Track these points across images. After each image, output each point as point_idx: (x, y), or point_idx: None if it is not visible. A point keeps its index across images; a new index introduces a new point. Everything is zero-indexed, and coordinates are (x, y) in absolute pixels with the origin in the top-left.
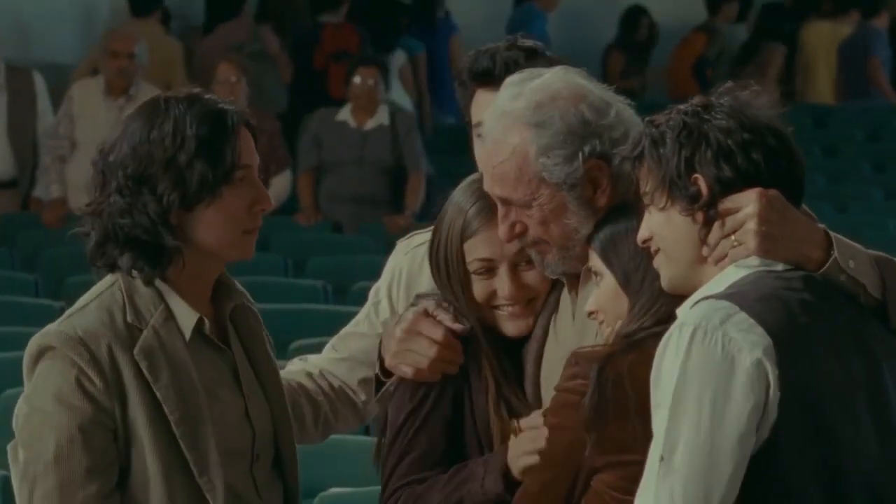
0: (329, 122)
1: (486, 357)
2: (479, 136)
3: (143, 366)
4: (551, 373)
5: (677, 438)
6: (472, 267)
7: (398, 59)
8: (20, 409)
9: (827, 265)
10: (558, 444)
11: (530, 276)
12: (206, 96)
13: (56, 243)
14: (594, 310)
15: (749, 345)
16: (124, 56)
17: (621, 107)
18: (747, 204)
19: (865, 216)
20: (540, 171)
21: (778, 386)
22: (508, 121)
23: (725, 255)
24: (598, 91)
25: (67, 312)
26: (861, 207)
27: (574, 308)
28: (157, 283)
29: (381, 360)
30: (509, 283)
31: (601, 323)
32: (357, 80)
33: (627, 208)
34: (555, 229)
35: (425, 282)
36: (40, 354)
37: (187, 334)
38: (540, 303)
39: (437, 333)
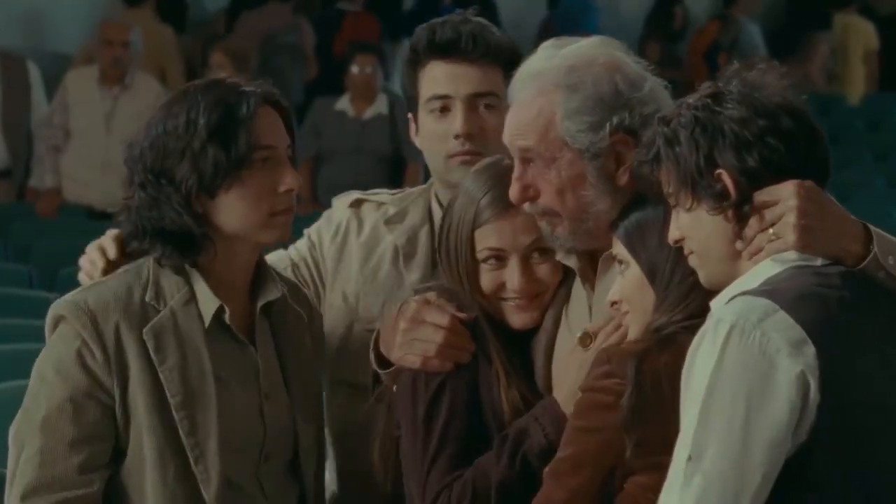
0: (327, 111)
1: (494, 348)
2: (435, 110)
3: (150, 345)
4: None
5: (707, 439)
6: (481, 256)
7: (402, 49)
8: (41, 355)
9: (866, 261)
10: (589, 448)
11: (542, 270)
12: (229, 80)
13: (50, 234)
14: (618, 300)
15: (788, 346)
16: (119, 45)
17: (656, 84)
18: (786, 196)
19: (867, 205)
20: (563, 134)
21: (818, 388)
22: (539, 82)
23: (761, 249)
24: (634, 65)
25: (93, 282)
26: (863, 196)
27: (590, 300)
28: (187, 267)
29: (376, 354)
30: (519, 276)
31: (625, 314)
32: (355, 68)
33: (658, 197)
34: (570, 199)
35: (354, 252)
36: (55, 324)
37: (207, 320)
38: (548, 297)
39: (443, 319)
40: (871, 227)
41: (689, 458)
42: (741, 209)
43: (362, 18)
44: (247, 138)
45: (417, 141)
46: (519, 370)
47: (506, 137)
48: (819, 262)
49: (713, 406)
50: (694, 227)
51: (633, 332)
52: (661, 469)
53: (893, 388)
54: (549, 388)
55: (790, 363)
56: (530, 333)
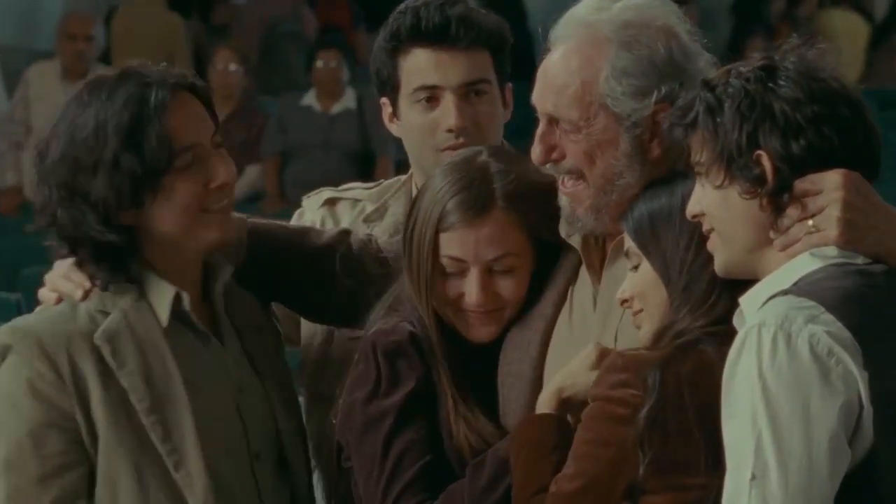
0: (293, 106)
1: (442, 368)
2: (422, 100)
3: (104, 351)
4: (559, 363)
5: (769, 454)
6: (443, 262)
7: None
8: None
9: None
10: (599, 465)
11: (504, 286)
12: (135, 71)
13: (11, 233)
14: (629, 297)
15: (839, 346)
16: (82, 39)
17: (709, 60)
18: (831, 186)
19: None
20: (605, 94)
21: (869, 399)
22: (588, 31)
23: (797, 242)
24: (689, 35)
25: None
26: None
27: (595, 289)
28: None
29: None
30: (478, 290)
31: (637, 313)
32: (319, 63)
33: (671, 180)
34: (599, 164)
35: None
36: (2, 354)
37: (164, 315)
38: (511, 312)
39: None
40: None
41: (753, 478)
42: (779, 197)
43: (335, 4)
44: (161, 142)
45: (393, 128)
46: (468, 394)
47: (534, 95)
48: (860, 260)
49: (770, 420)
50: (721, 206)
51: (646, 332)
52: (677, 490)
53: None
54: (541, 378)
55: (843, 364)
56: (492, 347)
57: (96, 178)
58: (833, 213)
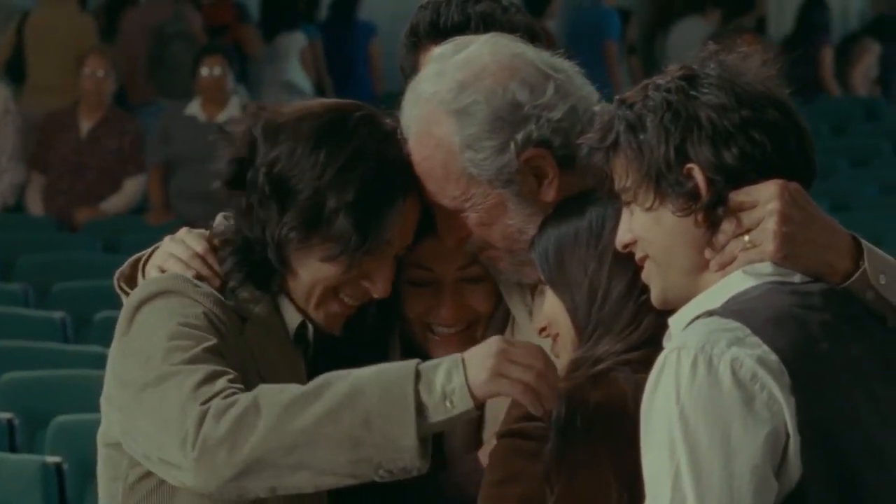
0: (177, 116)
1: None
2: None
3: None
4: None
5: (688, 488)
6: None
7: (298, 40)
8: (113, 355)
9: (853, 278)
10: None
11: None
12: (397, 146)
13: None
14: (545, 324)
15: (763, 370)
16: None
17: (563, 78)
18: (766, 198)
19: None
20: (467, 167)
21: (796, 427)
22: (429, 107)
23: (734, 259)
24: (537, 60)
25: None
26: None
27: (530, 305)
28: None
29: None
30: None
31: (556, 338)
32: (203, 70)
33: (579, 200)
34: (496, 232)
35: None
36: (145, 300)
37: (290, 333)
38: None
39: None
40: (862, 241)
41: None
42: (713, 212)
43: (219, 4)
44: (383, 230)
45: None
46: None
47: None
48: (798, 278)
49: (689, 451)
50: (653, 229)
51: (565, 359)
52: None
53: (883, 427)
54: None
55: (767, 390)
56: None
57: (304, 203)
58: (769, 226)
